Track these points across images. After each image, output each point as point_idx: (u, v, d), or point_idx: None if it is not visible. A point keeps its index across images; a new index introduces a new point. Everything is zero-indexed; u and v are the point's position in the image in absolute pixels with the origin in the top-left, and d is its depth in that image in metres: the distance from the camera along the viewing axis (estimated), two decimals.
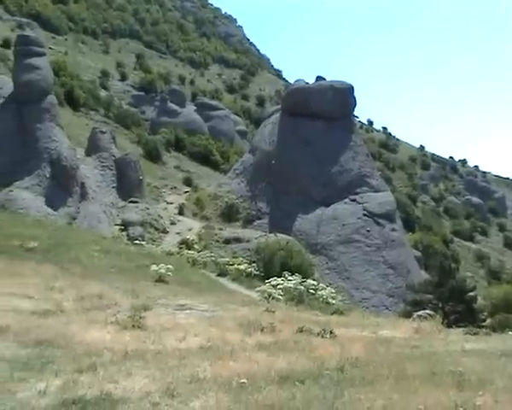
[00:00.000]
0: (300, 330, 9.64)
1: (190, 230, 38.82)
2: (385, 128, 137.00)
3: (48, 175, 33.56)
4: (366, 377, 6.62)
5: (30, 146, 34.82)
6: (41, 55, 40.26)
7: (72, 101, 64.88)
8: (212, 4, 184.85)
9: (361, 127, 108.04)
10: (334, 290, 20.23)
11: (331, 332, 9.51)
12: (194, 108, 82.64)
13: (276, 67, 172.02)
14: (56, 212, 31.76)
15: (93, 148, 42.01)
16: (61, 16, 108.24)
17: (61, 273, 13.90)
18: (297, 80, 52.45)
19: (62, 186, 33.66)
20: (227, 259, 28.11)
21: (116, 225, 35.58)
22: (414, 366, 7.35)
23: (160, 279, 16.46)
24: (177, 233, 38.16)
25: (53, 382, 5.78)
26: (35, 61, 38.61)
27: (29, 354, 6.68)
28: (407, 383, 6.40)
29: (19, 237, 17.63)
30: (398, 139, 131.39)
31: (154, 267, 16.87)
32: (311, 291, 18.71)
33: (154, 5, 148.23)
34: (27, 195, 31.27)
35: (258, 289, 18.34)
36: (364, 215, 39.46)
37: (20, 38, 41.61)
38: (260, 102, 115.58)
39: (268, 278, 19.80)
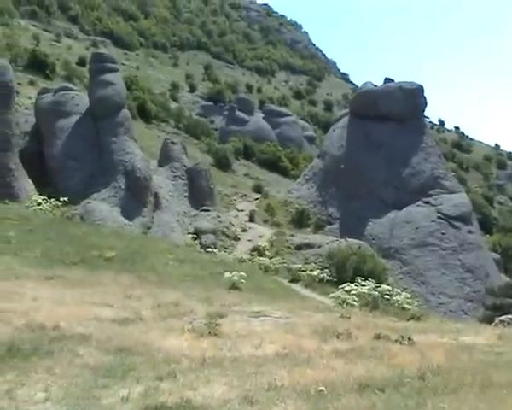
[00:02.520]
0: (377, 337, 9.41)
1: (261, 236, 38.95)
2: (457, 128, 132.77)
3: (123, 186, 34.63)
4: (449, 386, 6.37)
5: (106, 159, 36.10)
6: (114, 71, 41.76)
7: (144, 114, 66.79)
8: (276, 12, 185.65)
9: (432, 128, 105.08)
10: (409, 295, 19.67)
11: (409, 339, 9.23)
12: (262, 115, 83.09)
13: (342, 70, 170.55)
14: (132, 222, 32.67)
15: (165, 158, 42.99)
16: (132, 33, 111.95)
17: (138, 282, 14.24)
18: (365, 83, 51.76)
19: (137, 197, 34.64)
20: (299, 265, 27.98)
21: (189, 233, 36.17)
22: (499, 374, 7.01)
23: (234, 286, 16.56)
24: (249, 240, 38.38)
25: (135, 389, 5.90)
26: (109, 77, 40.08)
27: (111, 361, 6.85)
28: (493, 392, 6.11)
29: (97, 247, 18.21)
30: (471, 139, 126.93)
31: (227, 275, 17.00)
32: (386, 297, 18.28)
33: (220, 17, 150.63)
34: (104, 206, 32.35)
35: (331, 295, 18.14)
36: (439, 218, 38.36)
37: (95, 56, 43.34)
38: (328, 107, 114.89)
39: (341, 284, 19.53)
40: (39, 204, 28.08)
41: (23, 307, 9.18)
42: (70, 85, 44.57)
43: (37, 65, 63.17)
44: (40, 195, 30.70)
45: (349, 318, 11.78)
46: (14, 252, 15.72)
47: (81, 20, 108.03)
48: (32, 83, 56.16)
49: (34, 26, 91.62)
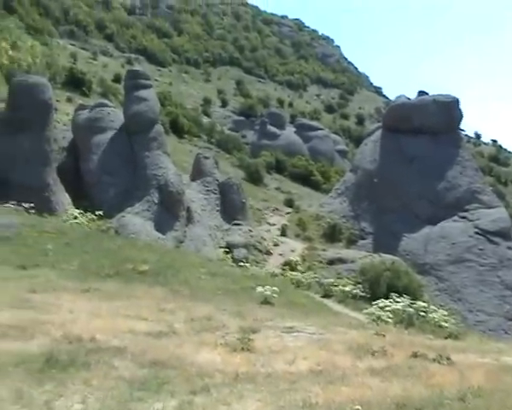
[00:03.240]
0: (414, 355, 9.22)
1: (293, 251, 38.81)
2: (494, 141, 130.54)
3: (156, 201, 34.97)
4: (491, 409, 6.19)
5: (139, 174, 36.56)
6: (148, 87, 42.39)
7: (176, 129, 67.66)
8: (308, 27, 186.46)
9: (468, 141, 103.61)
10: (446, 313, 19.25)
11: (448, 358, 9.01)
12: (294, 129, 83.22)
13: (375, 84, 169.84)
14: (165, 236, 32.93)
15: (197, 173, 43.31)
16: (165, 49, 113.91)
17: (172, 295, 14.29)
18: (398, 96, 51.40)
19: (170, 211, 34.93)
20: (331, 280, 27.68)
21: (221, 247, 36.26)
22: None
23: (266, 301, 16.45)
24: (280, 254, 38.27)
25: (169, 402, 5.91)
26: (143, 93, 40.69)
27: (145, 374, 6.88)
28: None
29: (131, 260, 18.36)
30: (509, 152, 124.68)
31: (259, 289, 16.90)
32: (422, 314, 17.92)
33: (252, 32, 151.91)
34: (138, 220, 32.70)
35: (365, 311, 17.87)
36: (476, 233, 37.61)
37: (129, 73, 44.08)
38: (360, 121, 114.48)
39: (374, 300, 19.23)
40: (76, 218, 28.54)
41: (60, 319, 9.31)
42: (106, 102, 45.37)
43: (75, 82, 64.77)
44: (76, 208, 31.22)
45: (384, 335, 11.58)
46: (51, 265, 15.96)
47: (116, 38, 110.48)
48: (69, 100, 57.52)
49: (72, 44, 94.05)
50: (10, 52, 57.34)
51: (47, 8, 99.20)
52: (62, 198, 33.03)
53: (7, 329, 8.14)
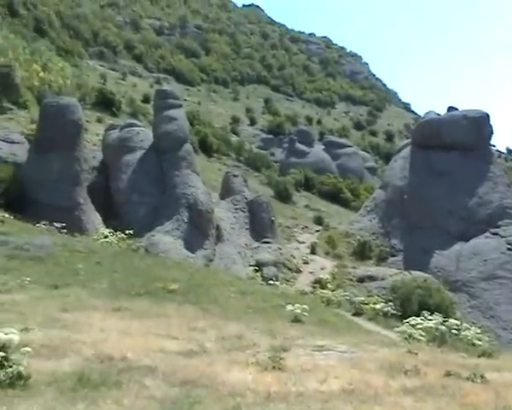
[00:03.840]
0: (448, 374, 9.04)
1: (323, 269, 38.58)
2: None
3: (186, 219, 35.18)
4: None
5: (169, 192, 36.88)
6: (177, 106, 42.89)
7: (205, 147, 68.24)
8: (336, 44, 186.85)
9: (499, 156, 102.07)
10: (479, 330, 18.85)
11: (482, 376, 8.81)
12: (322, 147, 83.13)
13: (403, 100, 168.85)
14: (194, 254, 33.07)
15: (226, 191, 43.52)
16: (193, 69, 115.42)
17: (202, 314, 14.31)
18: (427, 112, 50.98)
19: (199, 229, 35.10)
20: (362, 298, 27.43)
21: (250, 265, 36.27)
22: None
23: (296, 319, 16.36)
24: (310, 272, 38.08)
25: None
26: (172, 112, 41.18)
27: (177, 393, 6.88)
28: None
29: (161, 279, 18.47)
30: None
31: (289, 307, 16.82)
32: (455, 331, 17.56)
33: (280, 50, 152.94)
34: (168, 239, 32.92)
35: (397, 329, 17.61)
36: (509, 249, 36.87)
37: (159, 93, 44.68)
38: (389, 137, 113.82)
39: (406, 318, 18.94)
40: (106, 237, 28.86)
41: (92, 338, 9.39)
42: (135, 122, 46.05)
43: (105, 103, 65.91)
44: (107, 228, 31.59)
45: (416, 353, 11.39)
46: (82, 284, 16.16)
47: (145, 58, 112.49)
48: (99, 120, 58.51)
49: (102, 65, 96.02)
50: (41, 74, 58.93)
51: (77, 30, 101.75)
52: (93, 217, 33.49)
53: (39, 348, 8.24)
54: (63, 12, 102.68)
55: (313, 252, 43.09)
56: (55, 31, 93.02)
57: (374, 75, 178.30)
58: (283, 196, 61.28)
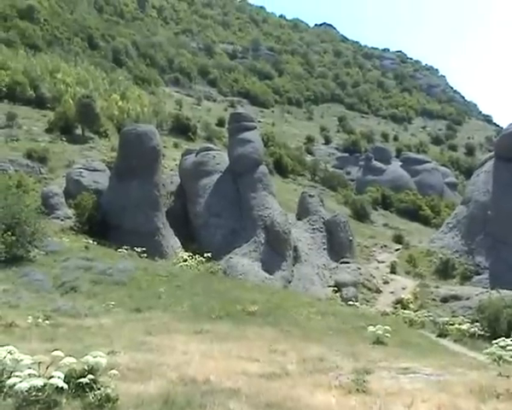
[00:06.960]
0: None
1: (404, 288, 37.53)
2: None
3: (263, 241, 35.31)
4: None
5: (246, 215, 37.23)
6: (252, 129, 43.44)
7: (280, 168, 68.50)
8: (411, 58, 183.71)
9: None
10: None
11: None
12: (400, 163, 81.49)
13: (484, 112, 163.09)
14: (272, 276, 33.07)
15: (303, 211, 43.39)
16: (267, 91, 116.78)
17: (282, 336, 14.25)
18: (511, 124, 48.96)
19: (277, 251, 35.10)
20: (446, 318, 26.48)
21: (329, 286, 35.85)
22: None
23: (378, 341, 15.98)
24: (391, 292, 37.15)
25: None
26: (247, 135, 41.73)
27: None
28: None
29: (240, 301, 18.59)
30: None
31: (370, 329, 16.47)
32: None
33: (353, 68, 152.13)
34: (245, 261, 33.14)
35: (485, 351, 16.83)
36: None
37: (233, 116, 45.47)
38: (470, 151, 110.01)
39: (494, 339, 18.05)
40: (185, 260, 29.45)
41: (175, 361, 9.54)
42: (211, 146, 47.00)
43: (181, 128, 67.79)
44: (186, 251, 32.25)
45: (508, 376, 10.80)
46: (164, 307, 16.53)
47: (219, 82, 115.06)
48: (176, 145, 60.17)
49: (177, 91, 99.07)
50: (120, 103, 61.57)
51: (153, 58, 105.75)
52: (172, 242, 34.28)
53: (126, 371, 8.45)
54: (139, 41, 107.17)
55: (393, 271, 42.02)
56: (131, 60, 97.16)
57: (451, 88, 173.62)
58: (361, 215, 60.36)
